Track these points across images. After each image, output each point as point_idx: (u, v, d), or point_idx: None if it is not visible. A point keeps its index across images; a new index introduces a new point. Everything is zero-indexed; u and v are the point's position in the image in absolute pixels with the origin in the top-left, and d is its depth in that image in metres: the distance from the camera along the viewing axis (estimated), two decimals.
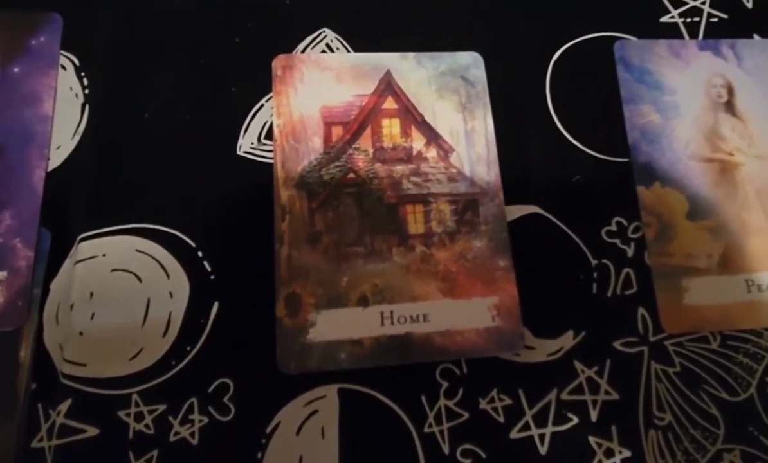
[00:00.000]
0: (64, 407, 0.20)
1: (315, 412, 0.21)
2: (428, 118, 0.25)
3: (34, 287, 0.21)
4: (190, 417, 0.20)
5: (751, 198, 0.24)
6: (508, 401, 0.21)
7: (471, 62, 0.26)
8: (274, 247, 0.22)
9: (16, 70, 0.24)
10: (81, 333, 0.21)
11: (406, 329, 0.22)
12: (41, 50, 0.24)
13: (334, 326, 0.21)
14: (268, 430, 0.20)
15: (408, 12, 0.27)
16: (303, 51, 0.25)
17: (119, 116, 0.24)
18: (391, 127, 0.24)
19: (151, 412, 0.20)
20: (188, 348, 0.21)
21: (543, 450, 0.21)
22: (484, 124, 0.25)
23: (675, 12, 0.28)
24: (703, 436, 0.22)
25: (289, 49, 0.25)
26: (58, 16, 0.25)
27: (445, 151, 0.24)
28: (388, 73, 0.25)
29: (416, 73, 0.25)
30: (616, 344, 0.22)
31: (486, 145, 0.24)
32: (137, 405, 0.20)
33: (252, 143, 0.24)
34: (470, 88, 0.25)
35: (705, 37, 0.27)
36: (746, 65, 0.26)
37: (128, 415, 0.20)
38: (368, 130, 0.24)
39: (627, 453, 0.21)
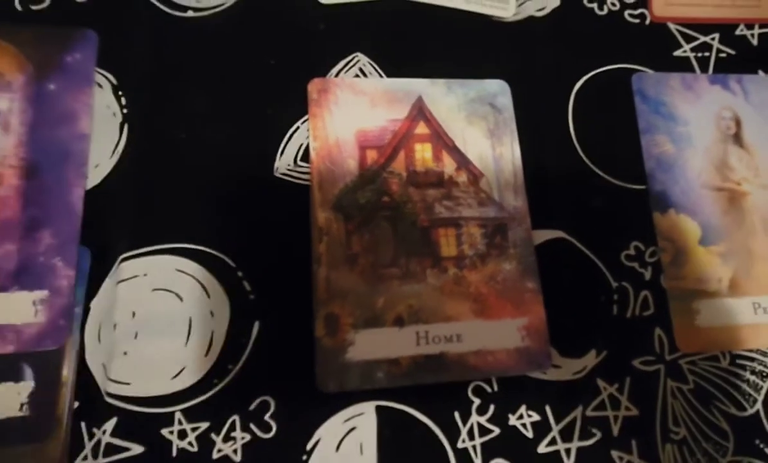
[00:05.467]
0: (109, 425, 0.20)
1: (353, 429, 0.22)
2: (458, 143, 0.26)
3: (75, 306, 0.21)
4: (233, 434, 0.21)
5: (756, 226, 0.26)
6: (536, 417, 0.23)
7: (498, 90, 0.27)
8: (312, 268, 0.23)
9: (51, 86, 0.24)
10: (125, 352, 0.21)
11: (440, 348, 0.23)
12: (76, 67, 0.24)
13: (372, 345, 0.22)
14: (309, 446, 0.21)
15: (437, 39, 0.28)
16: (336, 75, 0.26)
17: (157, 136, 0.24)
18: (424, 152, 0.25)
19: (194, 430, 0.21)
20: (230, 367, 0.22)
21: None
22: (511, 150, 0.26)
23: (687, 47, 0.29)
24: (715, 449, 0.23)
25: (322, 72, 0.26)
26: (94, 34, 0.25)
27: (475, 176, 0.25)
28: (419, 99, 0.26)
29: (446, 99, 0.26)
30: (635, 363, 0.24)
31: (513, 171, 0.26)
32: (180, 423, 0.21)
33: (288, 165, 0.25)
34: (498, 115, 0.26)
35: (714, 71, 0.29)
36: (752, 100, 0.28)
37: (171, 433, 0.21)
38: (401, 154, 0.25)
39: None
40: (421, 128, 0.26)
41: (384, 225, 0.24)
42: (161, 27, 0.26)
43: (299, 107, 0.25)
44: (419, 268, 0.23)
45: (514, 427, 0.22)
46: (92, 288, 0.22)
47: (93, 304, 0.22)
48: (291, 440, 0.21)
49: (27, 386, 0.20)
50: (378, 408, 0.22)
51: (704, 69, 0.29)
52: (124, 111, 0.24)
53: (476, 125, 0.26)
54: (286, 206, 0.24)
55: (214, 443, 0.21)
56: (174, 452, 0.20)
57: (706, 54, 0.29)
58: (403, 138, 0.25)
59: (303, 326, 0.22)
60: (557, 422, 0.23)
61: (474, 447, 0.22)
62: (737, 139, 0.27)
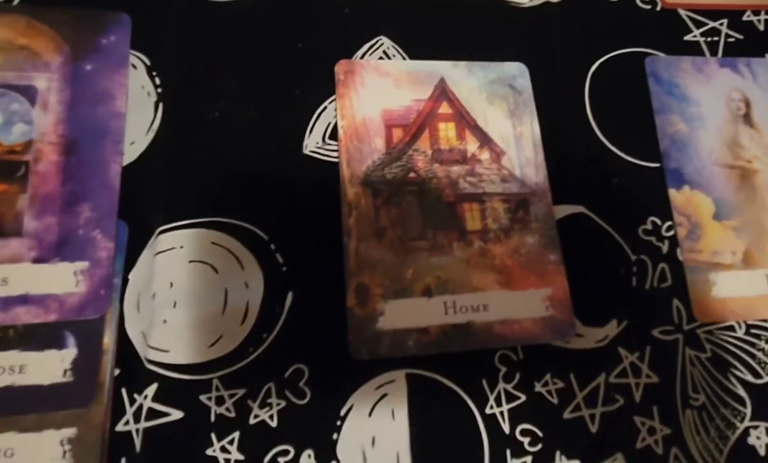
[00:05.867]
0: (149, 391, 0.21)
1: (385, 395, 0.22)
2: (480, 122, 0.27)
3: (115, 277, 0.22)
4: (269, 401, 0.22)
5: (767, 202, 0.27)
6: (560, 385, 0.23)
7: (517, 72, 0.28)
8: (342, 240, 0.24)
9: (88, 67, 0.25)
10: (164, 321, 0.22)
11: (468, 318, 0.23)
12: (112, 49, 0.25)
13: (401, 315, 0.23)
14: (342, 412, 0.22)
15: (457, 24, 0.28)
16: (362, 57, 0.27)
17: (191, 115, 0.25)
18: (447, 131, 0.26)
19: (231, 396, 0.21)
20: (265, 336, 0.22)
21: (594, 429, 0.23)
22: (531, 129, 0.27)
23: (697, 31, 0.30)
24: (733, 414, 0.24)
25: (348, 55, 0.27)
26: (127, 17, 0.26)
27: (497, 154, 0.26)
28: (442, 80, 0.27)
29: (468, 80, 0.27)
30: (655, 333, 0.25)
31: (533, 149, 0.26)
32: (218, 389, 0.21)
33: (317, 143, 0.25)
34: (517, 96, 0.27)
35: (723, 55, 0.30)
36: (761, 82, 0.29)
37: (210, 399, 0.21)
38: (426, 133, 0.26)
39: (667, 431, 0.23)
40: (445, 108, 0.27)
41: (410, 199, 0.25)
42: (192, 11, 0.26)
43: (326, 88, 0.26)
44: (446, 241, 0.24)
45: (540, 393, 0.23)
46: (130, 260, 0.22)
47: (132, 275, 0.22)
48: (325, 406, 0.22)
49: (70, 353, 0.21)
50: (408, 376, 0.22)
51: (714, 53, 0.30)
52: (159, 91, 0.25)
53: (497, 106, 0.27)
54: (315, 182, 0.25)
55: (251, 408, 0.21)
56: (213, 418, 0.21)
57: (715, 38, 0.30)
58: (428, 117, 0.26)
59: (334, 297, 0.23)
60: (581, 389, 0.23)
61: (501, 413, 0.23)
62: (747, 119, 0.28)
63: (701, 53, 0.30)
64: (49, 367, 0.20)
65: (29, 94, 0.23)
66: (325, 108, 0.26)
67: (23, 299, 0.21)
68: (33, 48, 0.24)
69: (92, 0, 0.25)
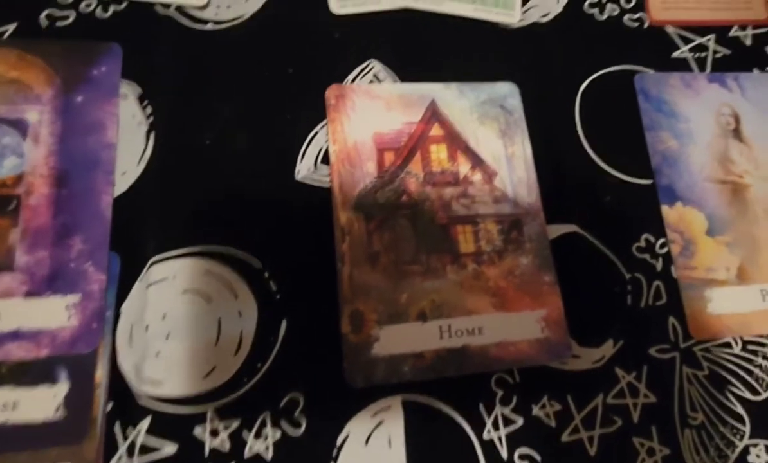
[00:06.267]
0: (143, 425, 0.21)
1: (381, 422, 0.22)
2: (472, 144, 0.27)
3: (107, 310, 0.22)
4: (264, 432, 0.21)
5: (759, 216, 0.27)
6: (558, 407, 0.23)
7: (508, 92, 0.28)
8: (336, 266, 0.24)
9: (78, 99, 0.25)
10: (157, 353, 0.21)
11: (463, 341, 0.23)
12: (102, 79, 0.25)
13: (397, 340, 0.23)
14: (339, 442, 0.22)
15: (447, 46, 0.29)
16: (352, 81, 0.27)
17: (182, 144, 0.25)
18: (439, 153, 0.26)
19: (226, 428, 0.21)
20: (259, 365, 0.22)
21: (592, 451, 0.23)
22: (523, 149, 0.27)
23: (685, 48, 0.31)
24: (732, 433, 0.24)
25: (339, 79, 0.27)
26: (118, 46, 0.26)
27: (489, 174, 0.26)
28: (433, 102, 0.27)
29: (458, 101, 0.27)
30: (651, 351, 0.24)
31: (525, 168, 0.26)
32: (213, 421, 0.21)
33: (309, 168, 0.25)
34: (508, 116, 0.27)
35: (712, 70, 0.30)
36: (749, 96, 0.29)
37: (204, 431, 0.21)
38: (418, 156, 0.26)
39: (666, 451, 0.23)
40: (436, 130, 0.27)
41: (403, 223, 0.25)
42: (183, 39, 0.27)
43: (318, 113, 0.26)
44: (439, 264, 0.24)
45: (538, 417, 0.23)
46: (123, 292, 0.22)
47: (124, 307, 0.22)
48: (321, 435, 0.22)
49: (62, 388, 0.20)
50: (404, 402, 0.22)
51: (702, 68, 0.30)
52: (149, 120, 0.25)
53: (488, 126, 0.27)
54: (308, 208, 0.25)
55: (245, 441, 0.21)
56: (206, 452, 0.21)
57: (703, 54, 0.31)
58: (419, 140, 0.26)
59: (329, 324, 0.23)
60: (579, 410, 0.23)
61: (499, 438, 0.22)
62: (737, 134, 0.29)
63: (690, 69, 0.30)
64: (42, 403, 0.20)
65: (21, 127, 0.23)
66: (317, 133, 0.26)
67: (15, 335, 0.21)
68: (24, 81, 0.24)
69: (83, 31, 0.26)
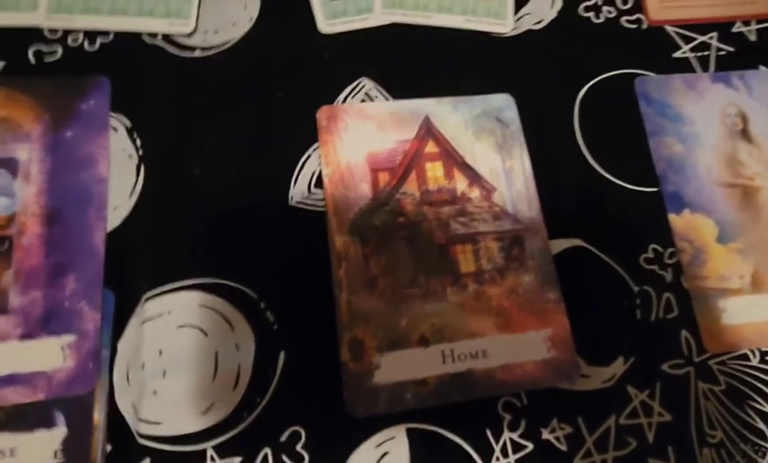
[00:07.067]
0: None
1: (386, 454, 0.21)
2: (468, 159, 0.26)
3: (103, 349, 0.22)
4: None
5: None
6: (569, 430, 0.22)
7: (504, 104, 0.27)
8: (333, 293, 0.23)
9: (68, 134, 0.24)
10: (155, 391, 0.21)
11: (467, 365, 0.22)
12: (92, 113, 0.25)
13: (398, 367, 0.22)
14: None
15: (439, 59, 0.28)
16: (343, 101, 0.27)
17: (173, 174, 0.24)
18: (435, 170, 0.26)
19: None
20: (258, 399, 0.22)
21: None
22: (521, 162, 0.26)
23: (686, 47, 0.30)
24: (753, 450, 0.23)
25: (330, 100, 0.27)
26: (106, 80, 0.26)
27: (488, 190, 0.25)
28: (427, 119, 0.26)
29: (453, 116, 0.27)
30: (664, 367, 0.24)
31: (525, 182, 0.26)
32: (213, 460, 0.21)
33: (303, 193, 0.25)
34: (505, 128, 0.27)
35: (715, 69, 0.29)
36: (756, 95, 0.28)
37: None
38: (413, 174, 0.25)
39: None
40: (431, 147, 0.26)
41: (401, 245, 0.24)
42: (171, 68, 0.26)
43: (310, 136, 0.26)
44: (439, 286, 0.23)
45: (548, 441, 0.22)
46: (118, 329, 0.22)
47: (120, 345, 0.22)
48: None
49: (60, 432, 0.20)
50: (409, 431, 0.22)
51: (705, 68, 0.29)
52: (140, 152, 0.25)
53: (484, 140, 0.26)
54: (303, 234, 0.24)
55: None
56: None
57: (706, 53, 0.30)
58: (414, 158, 0.26)
59: (328, 353, 0.22)
60: (591, 433, 0.22)
61: None
62: (745, 134, 0.28)
63: (692, 70, 0.29)
64: (40, 449, 0.20)
65: (11, 166, 0.23)
66: (309, 156, 0.26)
67: (10, 379, 0.21)
68: (13, 119, 0.24)
69: (71, 65, 0.26)
